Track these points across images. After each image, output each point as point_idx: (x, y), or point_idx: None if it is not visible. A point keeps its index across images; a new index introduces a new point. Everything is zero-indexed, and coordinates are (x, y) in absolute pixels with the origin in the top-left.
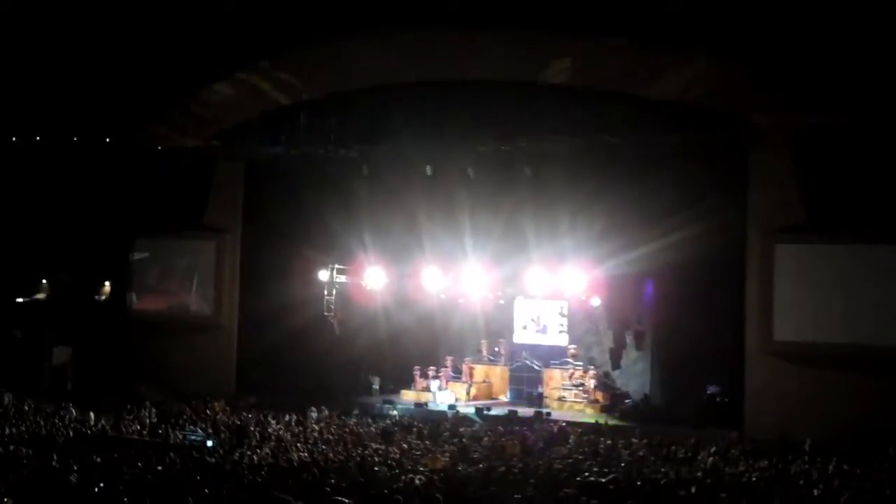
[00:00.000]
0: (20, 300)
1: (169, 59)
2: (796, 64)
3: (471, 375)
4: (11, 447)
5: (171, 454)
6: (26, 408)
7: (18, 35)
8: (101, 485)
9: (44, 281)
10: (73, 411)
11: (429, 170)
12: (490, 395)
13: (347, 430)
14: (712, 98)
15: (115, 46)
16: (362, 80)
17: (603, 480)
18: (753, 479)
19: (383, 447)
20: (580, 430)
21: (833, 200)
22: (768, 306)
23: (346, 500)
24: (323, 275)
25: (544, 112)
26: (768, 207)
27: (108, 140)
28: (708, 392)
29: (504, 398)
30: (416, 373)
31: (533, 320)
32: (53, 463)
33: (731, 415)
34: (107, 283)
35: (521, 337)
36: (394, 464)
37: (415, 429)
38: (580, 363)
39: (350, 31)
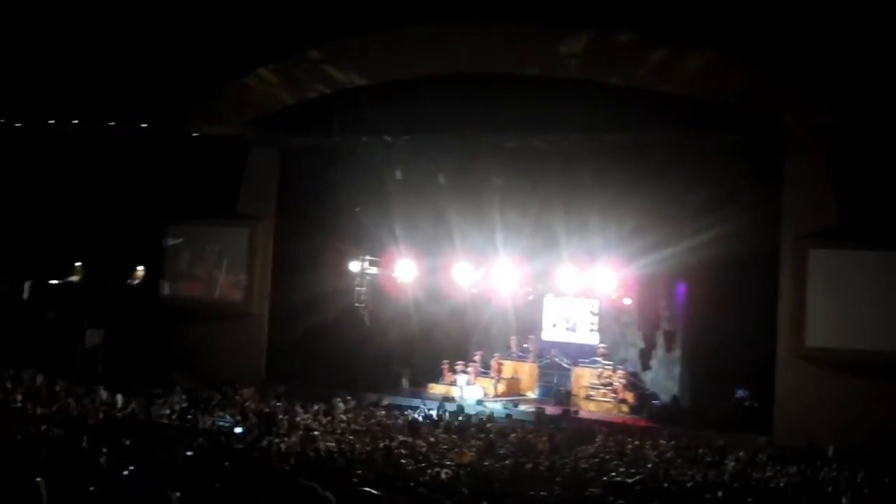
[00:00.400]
0: (54, 282)
1: (207, 45)
2: (830, 65)
3: (499, 371)
4: (43, 427)
5: (200, 439)
6: (57, 389)
7: (58, 19)
8: (131, 467)
9: (78, 264)
10: (103, 394)
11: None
12: (518, 392)
13: (375, 421)
14: (745, 98)
15: (153, 32)
16: (399, 71)
17: (629, 481)
18: (781, 484)
19: (410, 440)
20: (607, 430)
21: (867, 205)
22: (800, 311)
23: (375, 491)
24: (354, 266)
25: (575, 108)
26: (802, 211)
27: (144, 125)
28: (737, 396)
29: (532, 395)
30: (445, 367)
31: (564, 318)
32: (83, 444)
33: (759, 419)
34: (140, 268)
35: (550, 334)
36: (420, 457)
37: (442, 423)
38: (609, 362)
39: (392, 21)
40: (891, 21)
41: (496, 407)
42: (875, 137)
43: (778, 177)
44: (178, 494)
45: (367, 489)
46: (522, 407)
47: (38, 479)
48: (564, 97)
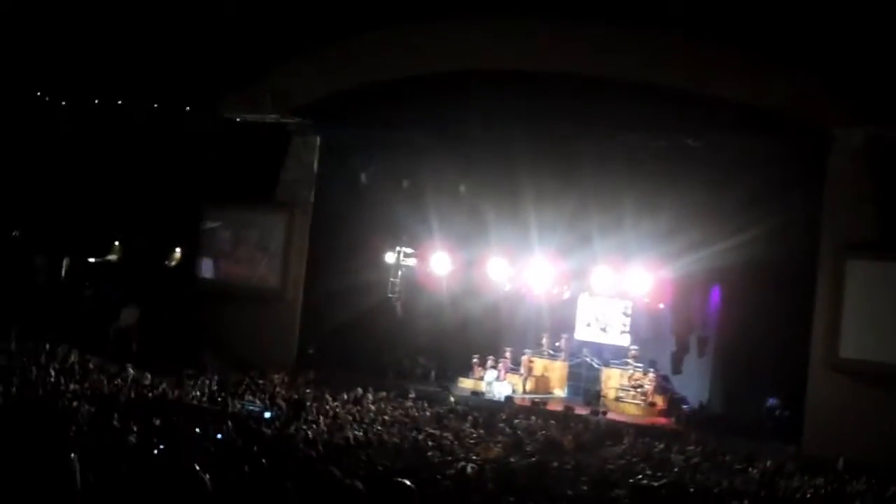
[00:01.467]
0: (92, 260)
1: (252, 31)
2: (881, 77)
3: (529, 368)
4: (75, 403)
5: (229, 422)
6: (90, 366)
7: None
8: (161, 447)
9: (116, 243)
10: (131, 371)
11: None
12: (547, 389)
13: (403, 412)
14: (793, 106)
15: (199, 15)
16: (439, 65)
17: (655, 484)
18: (808, 495)
19: (437, 432)
20: (635, 432)
21: None
22: (835, 322)
23: (408, 482)
24: (389, 257)
25: (613, 107)
26: (842, 220)
27: (187, 108)
28: (768, 404)
29: (561, 393)
30: (475, 361)
31: (596, 318)
32: (114, 422)
33: (789, 429)
34: (178, 249)
35: (583, 334)
36: (447, 450)
37: (470, 417)
38: (640, 365)
39: (432, 14)
40: None
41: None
42: None
43: (817, 181)
44: (207, 476)
45: (401, 480)
46: (551, 405)
47: (72, 455)
48: (604, 96)
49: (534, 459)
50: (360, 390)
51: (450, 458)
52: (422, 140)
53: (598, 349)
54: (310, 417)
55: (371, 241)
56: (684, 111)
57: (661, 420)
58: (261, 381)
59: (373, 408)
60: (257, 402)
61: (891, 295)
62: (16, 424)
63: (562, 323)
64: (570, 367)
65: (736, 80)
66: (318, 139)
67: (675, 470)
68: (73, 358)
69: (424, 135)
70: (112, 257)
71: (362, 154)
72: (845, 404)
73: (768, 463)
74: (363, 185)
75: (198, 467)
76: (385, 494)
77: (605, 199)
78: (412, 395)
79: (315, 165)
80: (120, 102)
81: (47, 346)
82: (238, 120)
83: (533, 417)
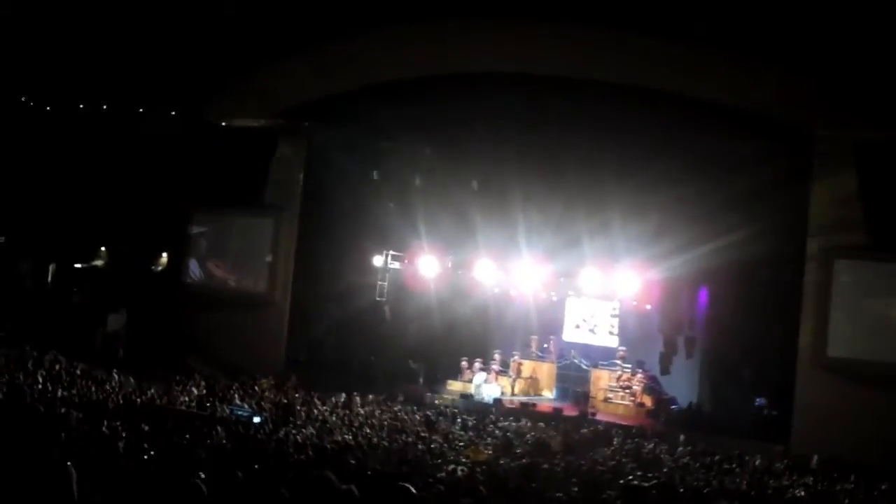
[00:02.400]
0: (79, 266)
1: (236, 34)
2: (866, 79)
3: (518, 370)
4: (63, 409)
5: (218, 428)
6: (78, 372)
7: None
8: (151, 453)
9: (103, 248)
10: (116, 376)
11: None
12: (536, 391)
13: (392, 415)
14: (780, 107)
15: (184, 20)
16: (425, 69)
17: (645, 485)
18: (798, 494)
19: (427, 435)
20: (624, 433)
21: (894, 218)
22: (823, 321)
23: (408, 486)
24: (377, 260)
25: (601, 110)
26: (829, 220)
27: (173, 112)
28: (756, 404)
29: (550, 395)
30: (464, 364)
31: (584, 320)
32: (103, 428)
33: (778, 428)
34: (164, 255)
35: (571, 335)
36: (437, 453)
37: (459, 420)
38: (628, 366)
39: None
40: None
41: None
42: None
43: (804, 182)
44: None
45: (403, 484)
46: (540, 407)
47: (68, 463)
48: (592, 98)
49: (524, 461)
50: (350, 394)
51: (440, 460)
52: (410, 143)
53: (586, 350)
54: (299, 422)
55: (359, 244)
56: (672, 114)
57: (647, 421)
58: (249, 386)
59: (362, 411)
60: (246, 406)
61: (877, 294)
62: (6, 432)
63: (550, 325)
64: (559, 368)
65: (723, 83)
66: (306, 142)
67: (665, 470)
68: (61, 364)
69: (412, 138)
70: (98, 263)
71: (351, 157)
72: (833, 403)
73: (757, 462)
74: (351, 188)
75: (191, 473)
76: (379, 498)
77: (593, 201)
78: (401, 398)
79: (302, 169)
80: (105, 107)
81: (34, 353)
82: (224, 124)
83: (522, 419)
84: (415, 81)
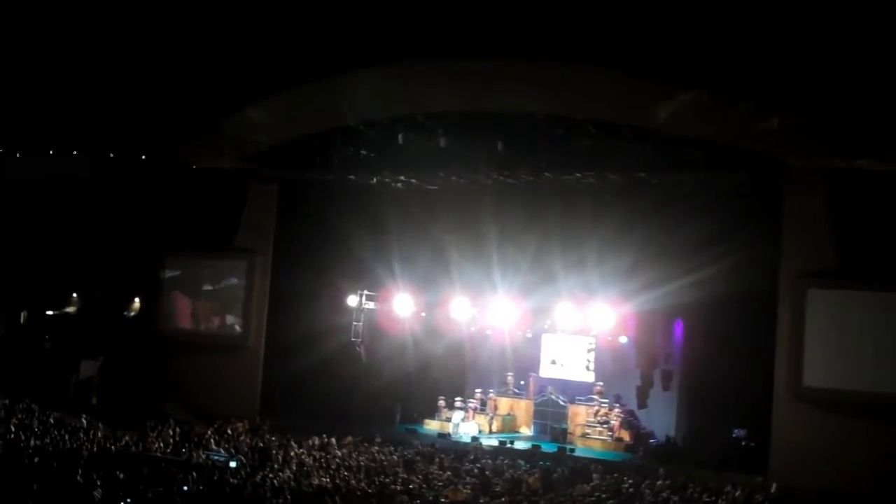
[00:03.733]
0: (50, 313)
1: (205, 79)
2: (833, 108)
3: (495, 408)
4: (36, 459)
5: (194, 473)
6: (51, 420)
7: (54, 47)
8: (127, 500)
9: (74, 295)
10: (84, 422)
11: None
12: (513, 429)
13: (369, 457)
14: (747, 139)
15: (153, 64)
16: (394, 108)
17: None
18: None
19: (405, 476)
20: (603, 469)
21: (867, 246)
22: (798, 351)
23: None
24: (352, 301)
25: (573, 146)
26: (801, 250)
27: (142, 157)
28: (734, 435)
29: (528, 432)
30: (441, 403)
31: (560, 357)
32: (77, 477)
33: (756, 460)
34: (136, 300)
35: (547, 371)
36: (415, 493)
37: (437, 459)
38: (606, 401)
39: (384, 59)
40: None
41: (492, 443)
42: (875, 178)
43: (777, 214)
44: None
45: None
46: (518, 444)
47: None
48: (562, 135)
49: (503, 500)
50: (325, 436)
51: (418, 501)
52: (383, 183)
53: (563, 386)
54: (275, 465)
55: (333, 285)
56: (645, 149)
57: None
58: (225, 430)
59: (339, 453)
60: (222, 451)
61: (852, 322)
62: None
63: (526, 361)
64: (536, 405)
65: (696, 118)
66: (277, 185)
67: None
68: (33, 413)
69: (386, 177)
70: (70, 309)
71: (323, 198)
72: (811, 433)
73: (737, 494)
74: (324, 229)
75: None
76: None
77: (569, 237)
78: (378, 440)
79: (275, 211)
80: (74, 153)
81: (6, 401)
82: (195, 167)
83: (500, 457)
84: (385, 122)
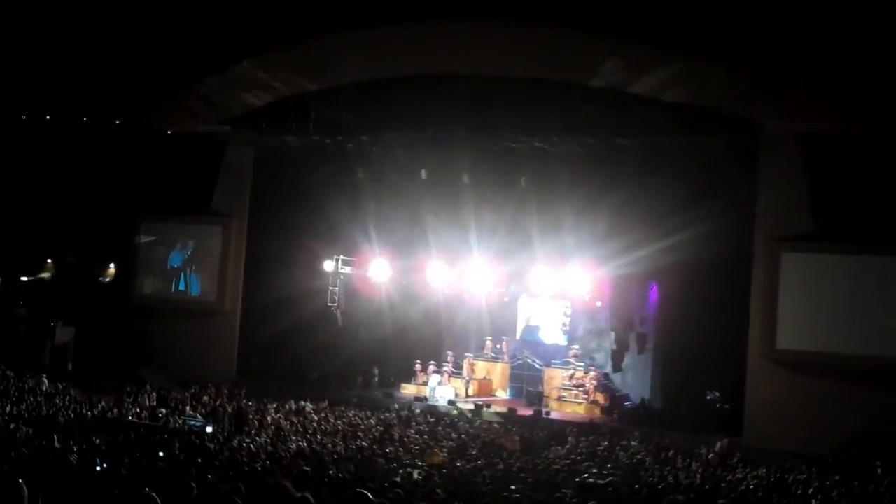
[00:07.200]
0: (25, 279)
1: (180, 43)
2: (809, 71)
3: (472, 371)
4: (12, 426)
5: (171, 439)
6: (27, 387)
7: (30, 9)
8: (103, 465)
9: (49, 261)
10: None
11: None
12: (490, 392)
13: (346, 421)
14: (724, 102)
15: (128, 28)
16: (369, 71)
17: (601, 482)
18: (751, 486)
19: (382, 439)
20: (578, 431)
21: (842, 210)
22: (772, 314)
23: (365, 492)
24: (328, 265)
25: (550, 110)
26: (776, 213)
27: (118, 122)
28: (708, 398)
29: (503, 395)
30: (417, 367)
31: (537, 319)
32: (55, 443)
33: (730, 421)
34: (112, 265)
35: (523, 335)
36: (392, 457)
37: (414, 423)
38: (581, 364)
39: (359, 22)
40: (872, 35)
41: (468, 407)
42: (853, 143)
43: (752, 179)
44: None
45: (361, 491)
46: (494, 408)
47: (20, 480)
48: (541, 99)
49: (479, 463)
50: (304, 400)
51: (395, 465)
52: (359, 146)
53: (539, 350)
54: (252, 430)
55: (309, 249)
56: (621, 112)
57: (601, 418)
58: (202, 395)
59: (315, 417)
60: (199, 416)
61: (825, 286)
62: None
63: (503, 325)
64: (512, 368)
65: (672, 80)
66: (254, 149)
67: (621, 467)
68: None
69: (361, 140)
70: (45, 275)
71: (300, 162)
72: (784, 395)
73: (711, 456)
74: (300, 193)
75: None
76: None
77: (545, 201)
78: (355, 403)
79: (251, 175)
80: (48, 117)
81: None
82: (171, 131)
83: (477, 421)
84: (363, 84)
